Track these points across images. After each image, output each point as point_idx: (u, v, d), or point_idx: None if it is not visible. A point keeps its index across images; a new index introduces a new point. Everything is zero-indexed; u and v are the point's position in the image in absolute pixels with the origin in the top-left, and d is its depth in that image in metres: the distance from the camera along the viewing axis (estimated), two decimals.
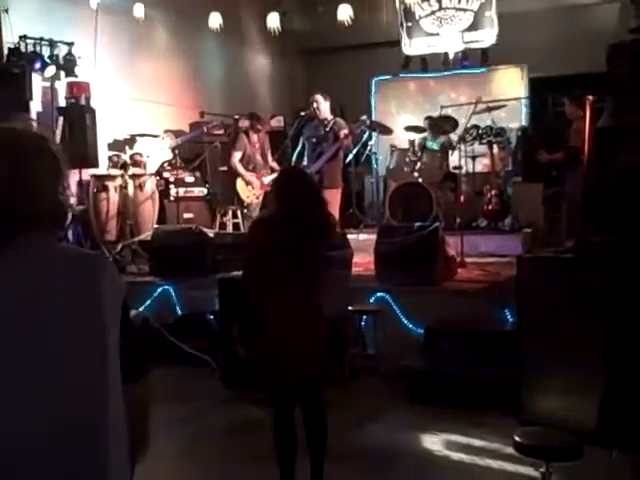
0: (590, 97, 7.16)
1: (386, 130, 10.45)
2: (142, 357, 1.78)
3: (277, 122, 11.35)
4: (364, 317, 6.32)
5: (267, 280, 3.81)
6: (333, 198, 8.44)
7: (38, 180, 1.67)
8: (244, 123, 9.80)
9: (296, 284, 3.83)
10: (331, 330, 4.08)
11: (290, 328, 3.77)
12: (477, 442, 4.89)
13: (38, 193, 1.67)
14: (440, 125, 9.97)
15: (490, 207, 9.37)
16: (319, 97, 8.61)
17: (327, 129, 8.54)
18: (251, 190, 8.97)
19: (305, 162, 8.65)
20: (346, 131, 8.52)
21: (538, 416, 4.81)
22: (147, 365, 1.81)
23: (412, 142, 9.97)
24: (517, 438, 3.54)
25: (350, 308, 6.14)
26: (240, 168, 9.00)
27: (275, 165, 9.11)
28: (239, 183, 9.02)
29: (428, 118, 10.31)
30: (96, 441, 1.59)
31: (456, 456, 4.76)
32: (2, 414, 1.54)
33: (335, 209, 8.50)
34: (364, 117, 9.49)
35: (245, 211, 9.17)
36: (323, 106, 8.59)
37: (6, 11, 8.32)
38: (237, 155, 9.05)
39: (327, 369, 4.02)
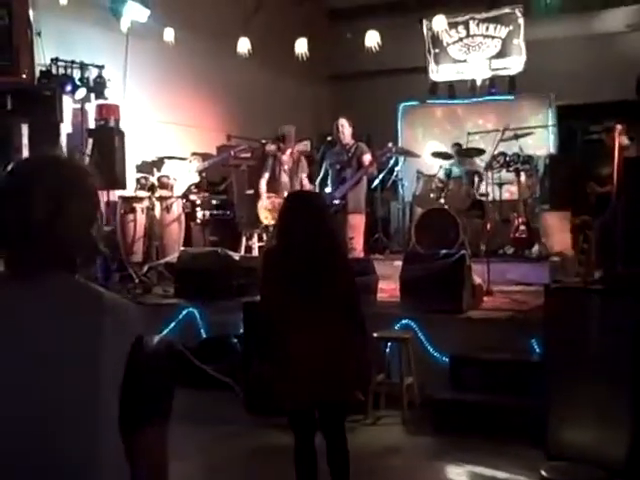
0: (618, 126, 7.12)
1: (413, 154, 10.47)
2: (151, 400, 1.67)
3: (304, 147, 11.37)
4: (389, 344, 6.27)
5: (283, 310, 3.80)
6: (357, 223, 8.46)
7: (78, 214, 1.67)
8: (270, 147, 9.84)
9: (313, 313, 3.77)
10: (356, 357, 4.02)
11: (309, 356, 3.72)
12: (502, 474, 4.81)
13: (77, 228, 1.67)
14: (468, 154, 9.96)
15: (517, 235, 9.30)
16: (344, 121, 8.65)
17: (350, 154, 8.58)
18: (269, 212, 8.92)
19: (329, 188, 8.67)
20: (369, 156, 8.55)
21: (565, 449, 4.73)
22: (159, 409, 1.70)
23: (439, 168, 9.97)
24: (544, 473, 3.50)
25: (375, 335, 6.10)
26: (262, 190, 9.03)
27: (308, 188, 9.08)
28: (258, 204, 9.04)
29: (456, 145, 10.28)
30: None
31: None
32: None
33: (359, 234, 8.52)
34: (390, 144, 9.49)
35: (270, 235, 9.17)
36: (347, 130, 8.63)
37: (39, 34, 8.45)
38: (265, 176, 9.10)
39: (348, 396, 3.96)
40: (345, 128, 8.63)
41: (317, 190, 8.83)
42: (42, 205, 1.62)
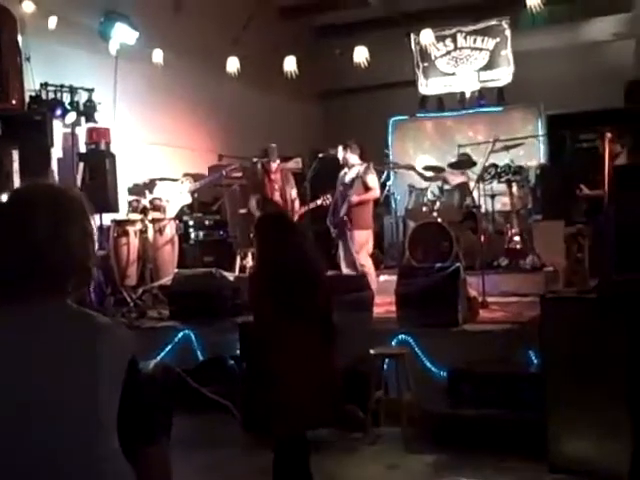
0: (608, 134, 7.13)
1: (408, 167, 10.53)
2: (152, 419, 1.74)
3: (295, 164, 11.36)
4: (386, 360, 6.25)
5: (269, 332, 3.87)
6: (362, 239, 8.48)
7: (74, 241, 1.69)
8: (259, 166, 9.85)
9: (297, 333, 3.83)
10: (349, 375, 4.05)
11: (295, 378, 3.77)
12: None
13: (72, 254, 1.69)
14: (459, 166, 9.97)
15: (511, 246, 9.31)
16: (345, 152, 8.73)
17: (351, 177, 8.65)
18: None
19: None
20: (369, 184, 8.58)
21: (566, 461, 4.71)
22: (160, 428, 1.77)
23: (430, 180, 9.98)
24: None
25: (371, 351, 6.08)
26: (254, 210, 9.04)
27: (297, 204, 9.11)
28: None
29: (450, 165, 10.25)
30: None
31: None
32: None
33: (363, 249, 8.52)
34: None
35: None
36: (350, 159, 8.71)
37: (28, 59, 8.45)
38: (253, 199, 9.10)
39: (335, 416, 3.99)
40: (347, 160, 8.71)
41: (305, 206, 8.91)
42: (41, 234, 1.65)
